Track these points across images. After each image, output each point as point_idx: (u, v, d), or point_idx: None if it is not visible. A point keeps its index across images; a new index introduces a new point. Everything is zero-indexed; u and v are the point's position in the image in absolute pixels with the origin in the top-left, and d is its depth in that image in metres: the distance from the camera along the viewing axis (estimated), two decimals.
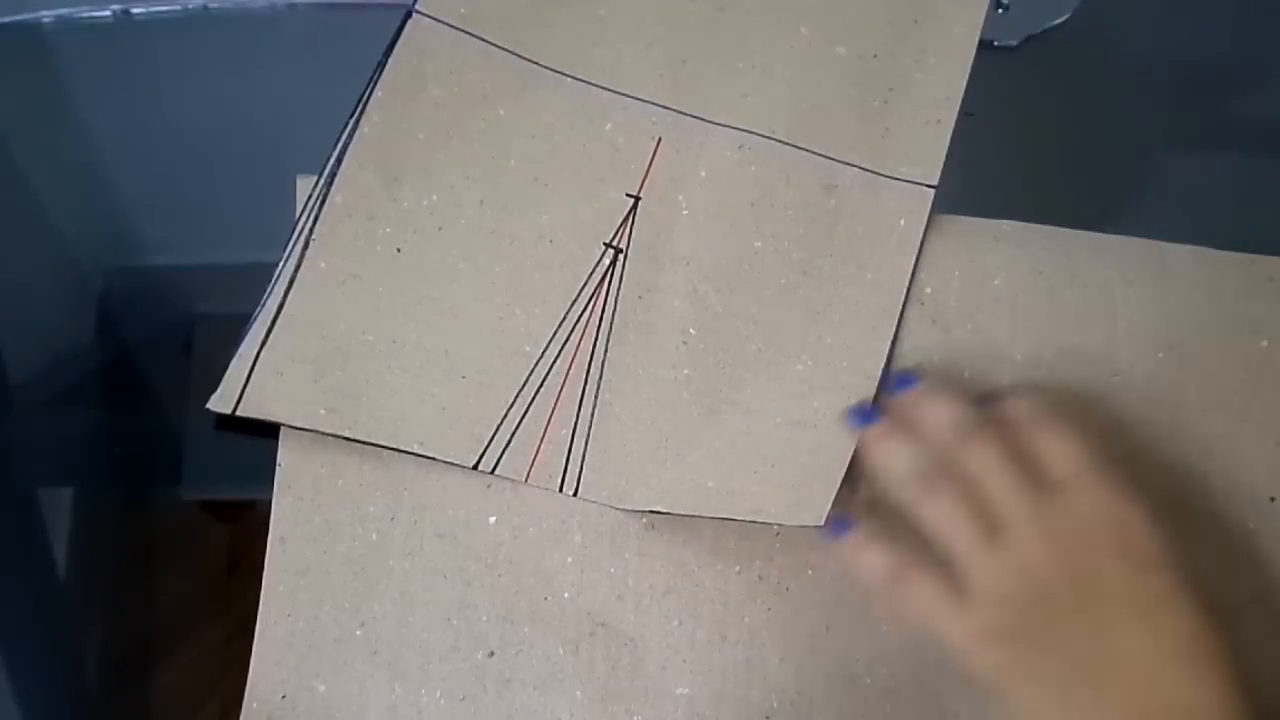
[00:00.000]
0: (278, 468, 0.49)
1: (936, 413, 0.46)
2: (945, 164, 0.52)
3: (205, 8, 0.60)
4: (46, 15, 0.60)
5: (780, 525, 0.48)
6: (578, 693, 0.47)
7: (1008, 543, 0.43)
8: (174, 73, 0.60)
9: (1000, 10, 0.57)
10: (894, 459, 0.46)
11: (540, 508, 0.49)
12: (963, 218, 0.52)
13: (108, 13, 0.60)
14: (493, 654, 0.47)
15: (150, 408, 0.60)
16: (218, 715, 0.54)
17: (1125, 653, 0.41)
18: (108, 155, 0.60)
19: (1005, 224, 0.52)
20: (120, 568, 0.58)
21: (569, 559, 0.48)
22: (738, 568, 0.48)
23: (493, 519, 0.49)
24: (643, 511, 0.48)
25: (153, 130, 0.60)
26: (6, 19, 0.60)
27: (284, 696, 0.47)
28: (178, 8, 0.60)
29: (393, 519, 0.49)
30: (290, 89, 0.60)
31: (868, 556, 0.45)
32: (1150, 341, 0.50)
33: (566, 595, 0.48)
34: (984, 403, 0.47)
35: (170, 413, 0.58)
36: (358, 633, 0.47)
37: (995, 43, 0.56)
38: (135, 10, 0.60)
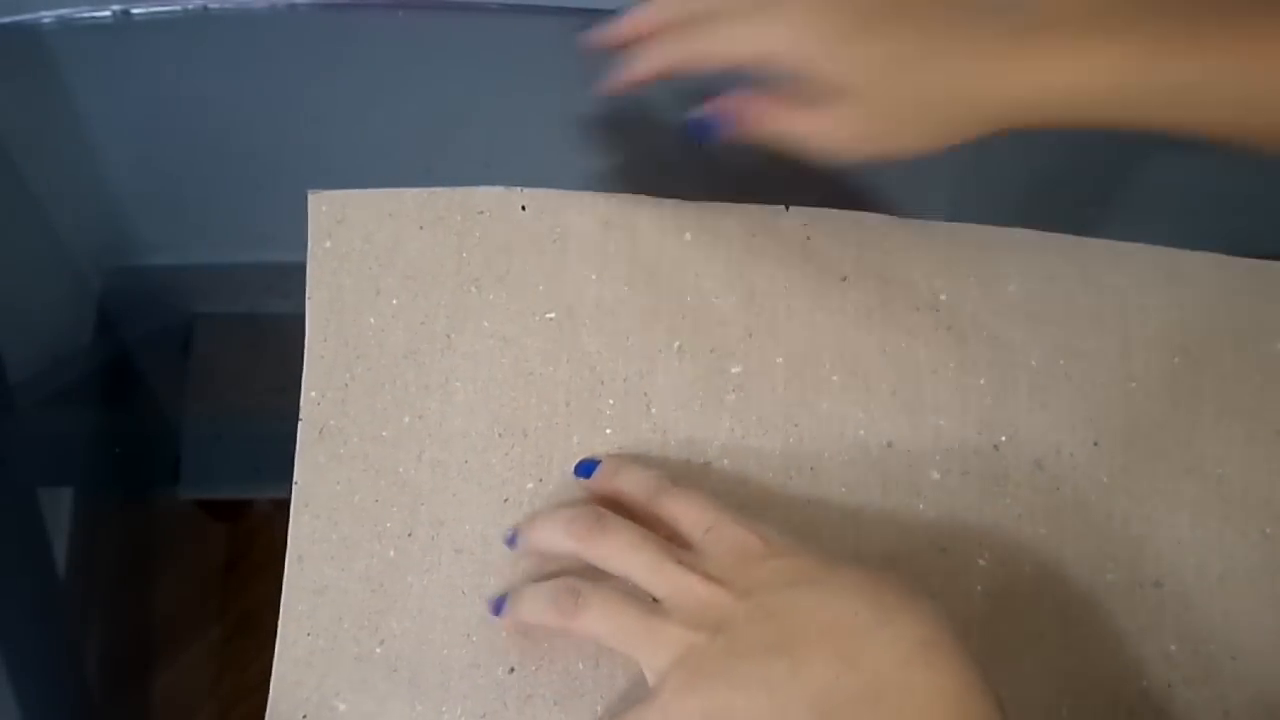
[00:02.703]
0: (294, 485, 0.49)
1: (552, 534, 0.46)
2: (947, 167, 0.52)
3: (205, 8, 0.60)
4: (46, 15, 0.59)
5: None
6: (598, 707, 0.46)
7: (666, 616, 0.42)
8: (174, 73, 0.60)
9: None
10: (531, 594, 0.46)
11: None
12: (976, 225, 0.52)
13: (108, 13, 0.59)
14: (513, 670, 0.47)
15: (149, 408, 0.60)
16: (217, 715, 0.54)
17: (816, 630, 0.40)
18: (108, 155, 0.60)
19: (1019, 231, 0.52)
20: (120, 567, 0.58)
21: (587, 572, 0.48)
22: None
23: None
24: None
25: (153, 130, 0.60)
26: (6, 19, 0.59)
27: (305, 716, 0.46)
28: (178, 8, 0.60)
29: (410, 535, 0.48)
30: (290, 89, 0.60)
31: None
32: (1165, 346, 0.50)
33: None
34: (586, 472, 0.48)
35: (169, 413, 0.58)
36: (377, 650, 0.47)
37: None
38: (135, 10, 0.59)
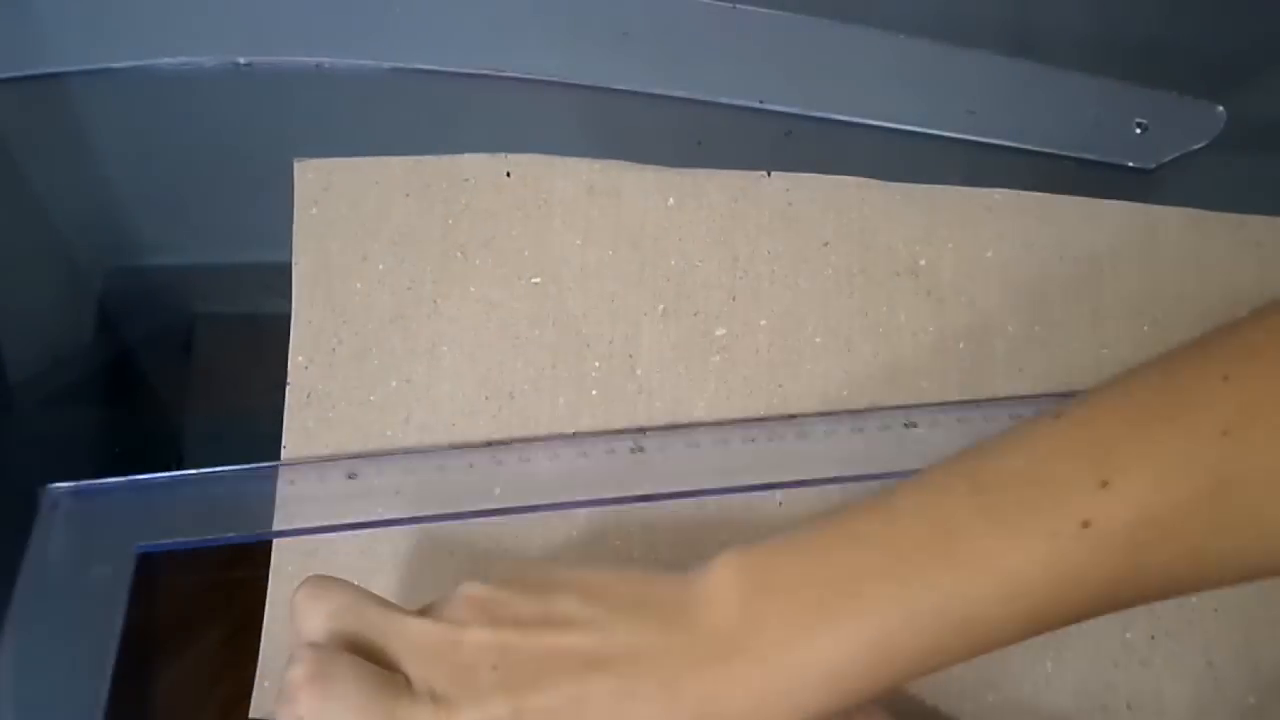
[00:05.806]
0: (282, 449, 0.50)
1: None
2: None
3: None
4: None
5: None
6: None
7: None
8: (175, 71, 0.61)
9: None
10: None
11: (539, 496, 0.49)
12: (955, 188, 0.53)
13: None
14: None
15: (149, 408, 0.60)
16: (218, 715, 0.54)
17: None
18: (108, 155, 0.60)
19: (997, 193, 0.53)
20: None
21: (574, 534, 0.48)
22: None
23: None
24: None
25: (152, 129, 0.61)
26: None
27: None
28: None
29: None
30: (290, 88, 0.61)
31: None
32: (1135, 314, 0.51)
33: None
34: None
35: (169, 413, 0.59)
36: None
37: None
38: None
